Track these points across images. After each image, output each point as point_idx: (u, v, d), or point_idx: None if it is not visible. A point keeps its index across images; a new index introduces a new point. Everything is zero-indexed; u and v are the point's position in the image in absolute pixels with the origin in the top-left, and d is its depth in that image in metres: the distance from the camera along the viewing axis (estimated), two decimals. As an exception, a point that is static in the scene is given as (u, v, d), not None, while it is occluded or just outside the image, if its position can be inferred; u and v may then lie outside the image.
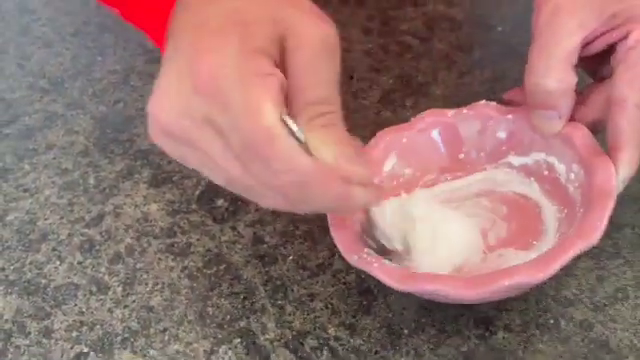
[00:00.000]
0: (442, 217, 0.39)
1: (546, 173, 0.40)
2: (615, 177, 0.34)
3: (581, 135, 0.37)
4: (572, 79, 0.36)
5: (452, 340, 0.35)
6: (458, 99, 0.52)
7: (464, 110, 0.41)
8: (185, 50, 0.26)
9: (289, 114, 0.26)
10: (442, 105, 0.51)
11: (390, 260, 0.35)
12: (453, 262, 0.37)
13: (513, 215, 0.40)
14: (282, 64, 0.27)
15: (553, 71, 0.35)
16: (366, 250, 0.34)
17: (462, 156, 0.42)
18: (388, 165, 0.40)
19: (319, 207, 0.30)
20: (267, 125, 0.25)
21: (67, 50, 0.58)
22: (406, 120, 0.50)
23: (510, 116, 0.40)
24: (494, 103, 0.41)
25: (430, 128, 0.41)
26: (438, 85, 0.53)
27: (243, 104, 0.24)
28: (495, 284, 0.31)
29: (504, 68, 0.55)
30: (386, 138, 0.41)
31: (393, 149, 0.41)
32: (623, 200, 0.43)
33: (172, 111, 0.26)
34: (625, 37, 0.35)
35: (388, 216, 0.36)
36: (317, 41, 0.27)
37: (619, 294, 0.38)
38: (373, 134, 0.48)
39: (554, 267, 0.31)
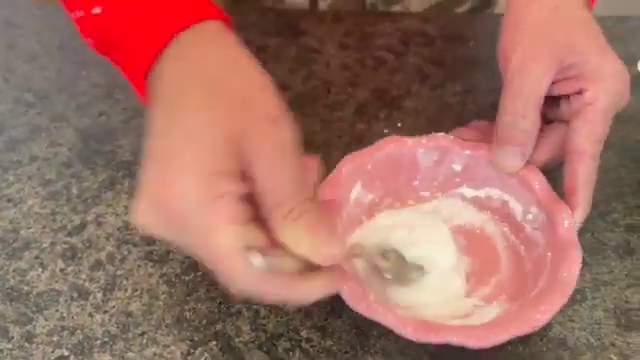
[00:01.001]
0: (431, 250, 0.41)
1: (499, 207, 0.42)
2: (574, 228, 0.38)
3: (539, 180, 0.40)
4: (539, 122, 0.40)
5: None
6: (430, 112, 0.54)
7: (423, 140, 0.43)
8: (154, 180, 0.30)
9: (262, 213, 0.29)
10: (415, 117, 0.53)
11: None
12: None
13: (471, 247, 0.42)
14: (249, 166, 0.29)
15: (529, 113, 0.39)
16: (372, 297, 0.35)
17: (416, 183, 0.44)
18: (354, 193, 0.42)
19: (280, 302, 0.35)
20: (221, 246, 0.28)
21: (52, 64, 0.59)
22: (380, 132, 0.52)
23: (467, 151, 0.43)
24: (452, 136, 0.43)
25: (390, 155, 0.43)
26: (411, 98, 0.55)
27: (201, 228, 0.28)
28: (495, 338, 0.33)
29: (474, 81, 0.57)
30: (350, 165, 0.42)
31: (358, 176, 0.42)
32: (610, 209, 0.45)
33: (153, 228, 0.30)
34: (579, 92, 0.39)
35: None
36: (274, 147, 0.30)
37: (578, 296, 0.40)
38: (348, 145, 0.50)
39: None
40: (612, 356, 0.37)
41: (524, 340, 0.37)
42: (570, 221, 0.38)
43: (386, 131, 0.52)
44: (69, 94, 0.56)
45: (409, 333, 0.33)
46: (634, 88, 0.42)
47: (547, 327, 0.38)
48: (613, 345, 0.37)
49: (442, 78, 0.58)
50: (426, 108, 0.54)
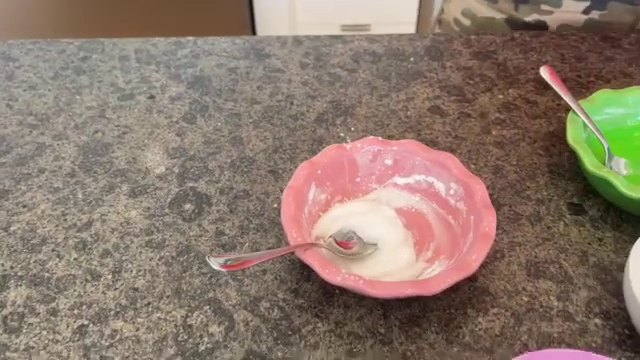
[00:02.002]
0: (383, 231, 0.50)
1: (426, 189, 0.52)
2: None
3: (453, 161, 0.50)
4: None
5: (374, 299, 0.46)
6: (377, 117, 0.64)
7: (358, 144, 0.53)
8: None
9: None
10: (366, 122, 0.63)
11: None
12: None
13: (410, 223, 0.51)
14: None
15: None
16: (343, 272, 0.43)
17: (358, 179, 0.54)
18: (310, 194, 0.51)
19: None
20: None
21: (49, 91, 0.68)
22: (337, 135, 0.62)
23: (395, 147, 0.53)
24: (380, 138, 0.53)
25: (335, 160, 0.52)
26: (362, 106, 0.66)
27: None
28: (442, 285, 0.42)
29: (414, 90, 0.68)
30: (305, 171, 0.50)
31: (312, 180, 0.51)
32: (503, 187, 0.56)
33: None
34: None
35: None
36: None
37: (497, 254, 0.50)
38: (311, 148, 0.60)
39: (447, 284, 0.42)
40: (523, 297, 0.46)
41: (456, 290, 0.47)
42: (482, 188, 0.47)
43: (342, 134, 0.62)
44: (67, 116, 0.64)
45: (378, 293, 0.42)
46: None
47: (473, 279, 0.48)
48: (524, 289, 0.47)
49: (387, 89, 0.68)
50: (374, 114, 0.64)
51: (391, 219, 0.51)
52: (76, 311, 0.46)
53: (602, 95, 0.58)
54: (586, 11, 0.79)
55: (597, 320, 0.45)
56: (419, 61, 0.72)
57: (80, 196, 0.55)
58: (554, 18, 0.81)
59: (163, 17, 1.78)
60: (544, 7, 0.80)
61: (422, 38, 0.76)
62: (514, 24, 0.84)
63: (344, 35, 0.77)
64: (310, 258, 0.43)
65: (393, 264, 0.48)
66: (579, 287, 0.47)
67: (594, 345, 0.43)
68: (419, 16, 2.08)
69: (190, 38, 0.76)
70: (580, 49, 0.74)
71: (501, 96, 0.66)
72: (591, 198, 0.54)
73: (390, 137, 0.61)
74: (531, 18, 0.82)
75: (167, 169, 0.58)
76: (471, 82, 0.68)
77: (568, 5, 0.79)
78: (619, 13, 0.78)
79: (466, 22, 0.89)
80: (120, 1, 1.76)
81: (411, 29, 2.08)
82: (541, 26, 0.82)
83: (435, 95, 0.67)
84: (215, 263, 0.41)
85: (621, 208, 0.52)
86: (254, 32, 1.99)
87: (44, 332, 0.44)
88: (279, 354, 0.43)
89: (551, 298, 0.46)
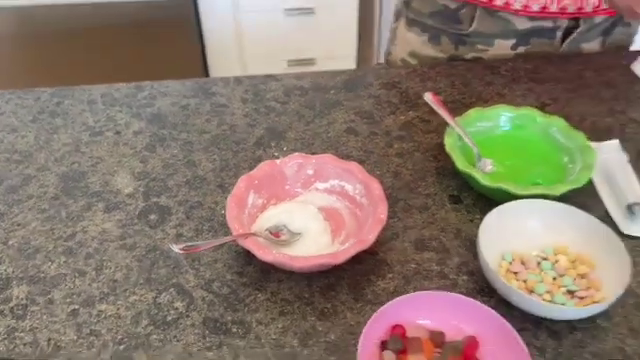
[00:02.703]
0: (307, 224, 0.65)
1: (339, 190, 0.68)
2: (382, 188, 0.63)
3: (357, 168, 0.66)
4: None
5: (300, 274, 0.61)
6: (305, 140, 0.80)
7: (285, 159, 0.68)
8: None
9: None
10: (295, 143, 0.79)
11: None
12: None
13: (328, 216, 0.67)
14: None
15: None
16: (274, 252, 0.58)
17: (287, 187, 0.69)
18: (250, 200, 0.66)
19: None
20: None
21: (30, 132, 0.81)
22: (272, 155, 0.77)
23: (314, 160, 0.68)
24: (303, 154, 0.69)
25: (268, 172, 0.67)
26: (292, 131, 0.81)
27: None
28: (347, 254, 0.57)
29: (334, 116, 0.84)
30: (245, 182, 0.65)
31: (251, 188, 0.66)
32: (400, 186, 0.72)
33: None
34: None
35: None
36: None
37: (393, 235, 0.65)
38: (251, 166, 0.74)
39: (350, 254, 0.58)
40: (412, 265, 0.62)
41: (362, 262, 0.62)
42: (378, 186, 0.63)
43: (276, 154, 0.77)
44: (47, 152, 0.77)
45: (300, 264, 0.56)
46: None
47: (375, 254, 0.63)
48: (413, 259, 0.63)
49: (312, 116, 0.84)
50: (302, 137, 0.80)
51: (314, 214, 0.66)
52: (68, 299, 0.59)
53: (474, 112, 0.76)
54: (513, 47, 0.95)
55: (465, 277, 0.61)
56: (338, 93, 0.88)
57: (64, 214, 0.68)
58: (489, 55, 0.96)
59: (126, 65, 1.93)
60: (480, 46, 0.96)
61: (341, 74, 0.93)
62: (455, 62, 0.99)
63: (276, 74, 0.92)
64: (249, 243, 0.58)
65: (314, 247, 0.63)
66: (453, 255, 0.63)
67: (462, 293, 0.59)
68: (359, 49, 2.28)
69: (148, 82, 0.90)
70: (466, 76, 0.92)
71: (402, 117, 0.83)
72: (466, 191, 0.71)
73: (314, 153, 0.76)
74: (469, 56, 0.97)
75: (134, 189, 0.71)
76: (379, 107, 0.85)
77: (499, 44, 0.95)
78: (540, 46, 0.95)
79: (413, 61, 1.03)
80: (87, 52, 1.91)
81: (352, 62, 2.27)
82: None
83: (350, 119, 0.83)
84: (176, 248, 0.55)
85: (487, 196, 0.69)
86: (207, 73, 2.14)
87: (44, 316, 0.57)
88: (228, 318, 0.57)
89: (432, 264, 0.62)
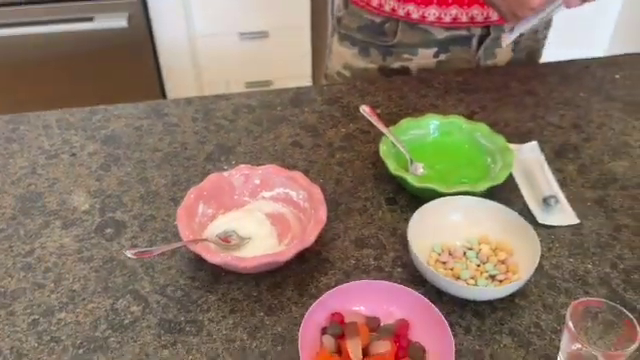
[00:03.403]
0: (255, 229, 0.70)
1: (284, 197, 0.73)
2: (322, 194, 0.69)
3: (300, 176, 0.71)
4: None
5: (249, 275, 0.65)
6: (253, 153, 0.85)
7: (233, 171, 0.73)
8: None
9: None
10: (244, 157, 0.84)
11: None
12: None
13: (275, 222, 0.72)
14: None
15: None
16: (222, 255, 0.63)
17: (236, 197, 0.74)
18: (199, 210, 0.70)
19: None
20: None
21: (-14, 158, 0.84)
22: (222, 169, 0.82)
23: (260, 171, 0.74)
24: (249, 165, 0.74)
25: (216, 184, 0.72)
26: (241, 146, 0.86)
27: None
28: (291, 253, 0.62)
29: (281, 131, 0.89)
30: (195, 194, 0.70)
31: (200, 199, 0.71)
32: (341, 192, 0.77)
33: None
34: None
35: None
36: None
37: (335, 236, 0.71)
38: (201, 180, 0.79)
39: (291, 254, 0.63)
40: (352, 261, 0.68)
41: (306, 262, 0.67)
42: (318, 191, 0.69)
43: (226, 167, 0.82)
44: (3, 175, 0.80)
45: (246, 264, 0.61)
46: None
47: (318, 253, 0.68)
48: (353, 256, 0.68)
49: (260, 132, 0.89)
50: (251, 151, 0.85)
51: (261, 220, 0.71)
52: (28, 310, 0.62)
53: (406, 122, 0.83)
54: (435, 55, 1.04)
55: (399, 269, 0.67)
56: (284, 109, 0.94)
57: (22, 232, 0.71)
58: (414, 63, 1.05)
59: (83, 93, 1.96)
60: (405, 56, 1.04)
61: (287, 91, 0.99)
62: (384, 71, 1.07)
63: (226, 94, 0.98)
64: (199, 248, 0.63)
65: (262, 250, 0.68)
66: (389, 250, 0.69)
67: (397, 283, 0.65)
68: (313, 68, 2.36)
69: (102, 106, 0.95)
70: (403, 90, 0.99)
71: (344, 129, 0.90)
72: (401, 193, 0.77)
73: (261, 165, 0.82)
74: (397, 65, 1.05)
75: (90, 206, 0.75)
76: (322, 121, 0.91)
77: (422, 53, 1.03)
78: (459, 53, 1.04)
79: (347, 73, 1.11)
80: (44, 80, 1.92)
81: (308, 81, 2.35)
82: (405, 71, 1.06)
83: (296, 133, 0.89)
84: (129, 253, 0.59)
85: (419, 197, 0.75)
86: (164, 94, 2.18)
87: (6, 327, 0.60)
88: (182, 318, 0.61)
89: (370, 259, 0.68)
